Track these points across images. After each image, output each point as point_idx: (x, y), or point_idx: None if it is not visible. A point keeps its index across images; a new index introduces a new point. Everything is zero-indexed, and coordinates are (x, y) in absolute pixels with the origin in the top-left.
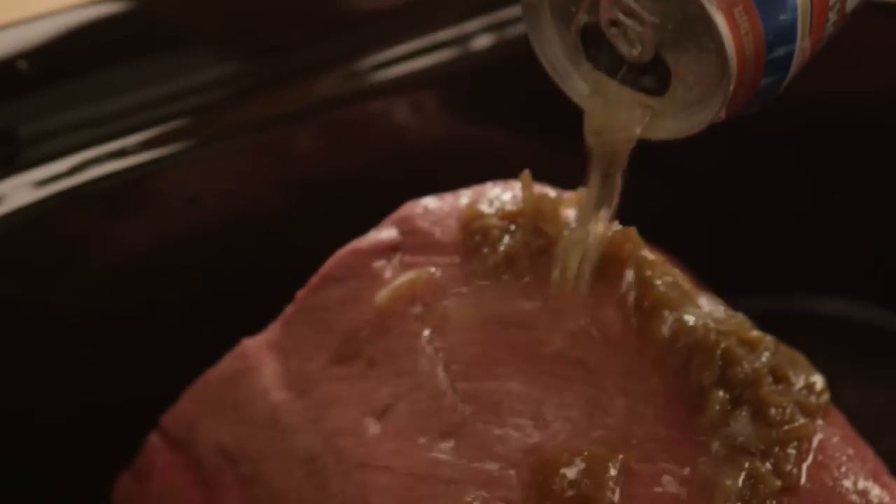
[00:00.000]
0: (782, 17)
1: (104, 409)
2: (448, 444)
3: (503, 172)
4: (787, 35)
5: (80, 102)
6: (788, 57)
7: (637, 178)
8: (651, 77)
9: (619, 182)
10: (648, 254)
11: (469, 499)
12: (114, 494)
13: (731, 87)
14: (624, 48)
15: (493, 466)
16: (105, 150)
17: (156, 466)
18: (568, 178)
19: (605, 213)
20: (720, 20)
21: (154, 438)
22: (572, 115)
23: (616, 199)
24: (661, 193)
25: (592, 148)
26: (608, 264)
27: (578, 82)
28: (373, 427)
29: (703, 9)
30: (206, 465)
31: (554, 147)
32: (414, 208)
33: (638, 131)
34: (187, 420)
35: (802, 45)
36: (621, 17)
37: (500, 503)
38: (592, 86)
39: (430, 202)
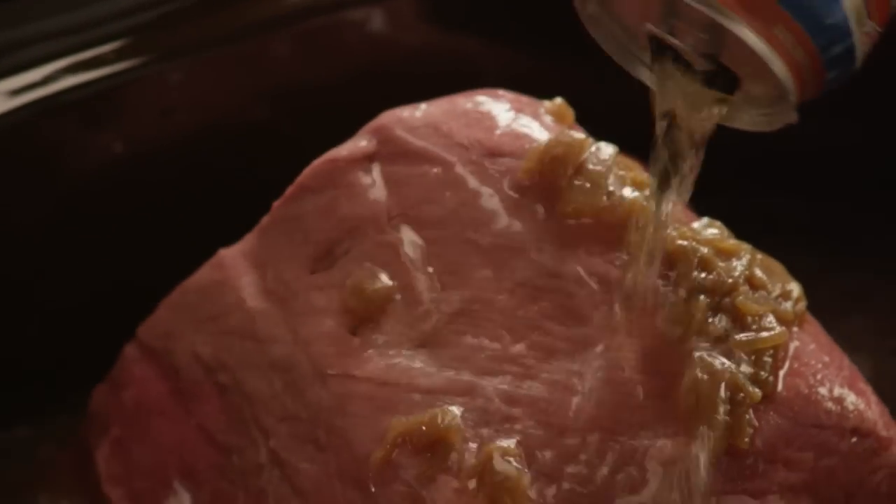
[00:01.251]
0: (829, 21)
1: (78, 319)
2: (424, 354)
3: (480, 81)
4: (840, 33)
5: (53, 12)
6: (849, 50)
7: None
8: (721, 78)
9: (688, 169)
10: (627, 165)
11: (445, 408)
12: (90, 404)
13: (795, 98)
14: (692, 61)
15: (469, 376)
16: (78, 60)
17: (133, 376)
18: (545, 86)
19: (672, 199)
20: (760, 44)
21: (130, 349)
22: (550, 24)
23: (685, 188)
24: (632, 104)
25: (659, 133)
26: (586, 178)
27: (647, 73)
28: (349, 336)
29: (740, 36)
30: (183, 374)
31: (532, 55)
32: (390, 117)
33: (710, 123)
34: (164, 330)
35: (863, 31)
36: (678, 46)
37: (477, 412)
38: (667, 77)
39: (406, 111)
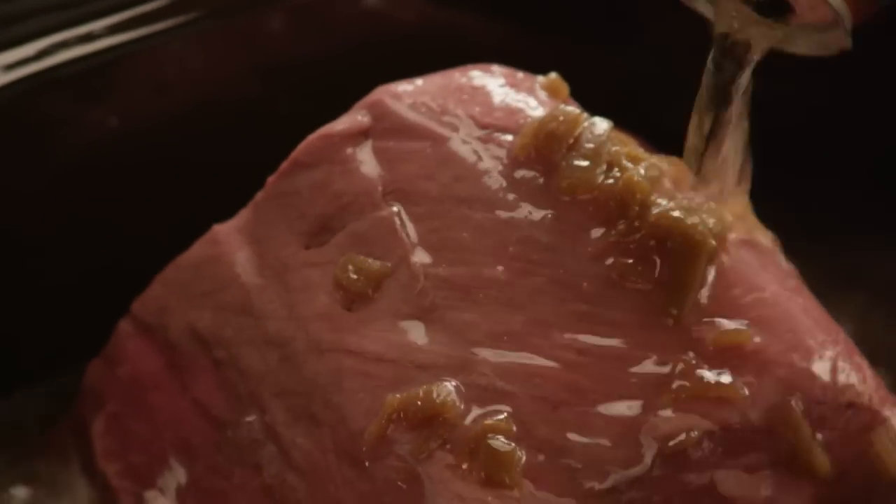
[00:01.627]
0: None
1: (73, 295)
2: (420, 329)
3: (475, 56)
4: None
5: None
6: None
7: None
8: (775, 5)
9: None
10: (622, 140)
11: (441, 383)
12: (85, 380)
13: (849, 24)
14: None
15: (465, 351)
16: (72, 35)
17: (127, 351)
18: (539, 62)
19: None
20: None
21: (125, 324)
22: None
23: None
24: (626, 79)
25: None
26: (582, 153)
27: (704, 4)
28: (345, 312)
29: None
30: (178, 349)
31: (524, 31)
32: (385, 92)
33: (764, 49)
34: (159, 305)
35: None
36: None
37: (473, 387)
38: (723, 7)
39: (401, 86)
